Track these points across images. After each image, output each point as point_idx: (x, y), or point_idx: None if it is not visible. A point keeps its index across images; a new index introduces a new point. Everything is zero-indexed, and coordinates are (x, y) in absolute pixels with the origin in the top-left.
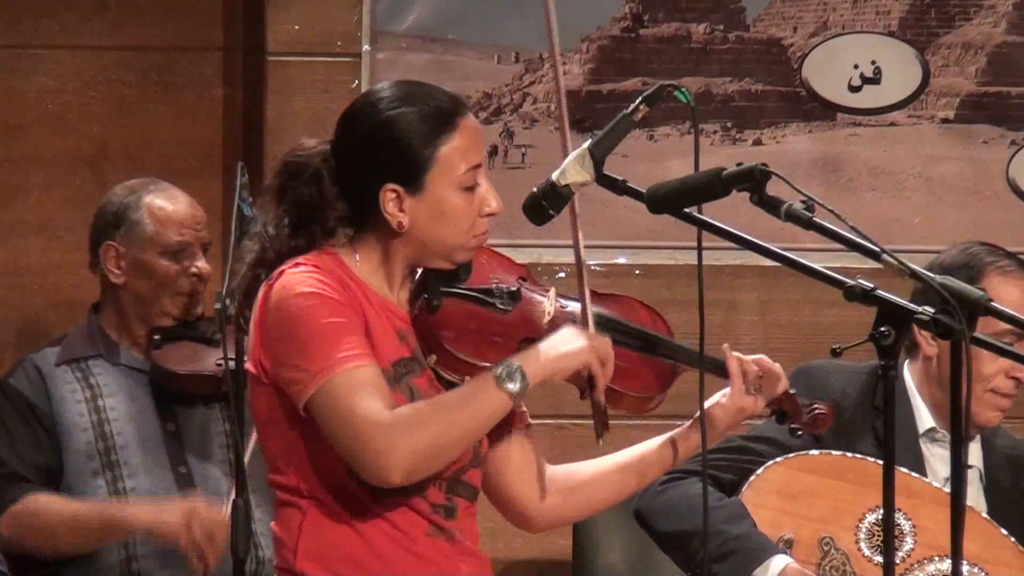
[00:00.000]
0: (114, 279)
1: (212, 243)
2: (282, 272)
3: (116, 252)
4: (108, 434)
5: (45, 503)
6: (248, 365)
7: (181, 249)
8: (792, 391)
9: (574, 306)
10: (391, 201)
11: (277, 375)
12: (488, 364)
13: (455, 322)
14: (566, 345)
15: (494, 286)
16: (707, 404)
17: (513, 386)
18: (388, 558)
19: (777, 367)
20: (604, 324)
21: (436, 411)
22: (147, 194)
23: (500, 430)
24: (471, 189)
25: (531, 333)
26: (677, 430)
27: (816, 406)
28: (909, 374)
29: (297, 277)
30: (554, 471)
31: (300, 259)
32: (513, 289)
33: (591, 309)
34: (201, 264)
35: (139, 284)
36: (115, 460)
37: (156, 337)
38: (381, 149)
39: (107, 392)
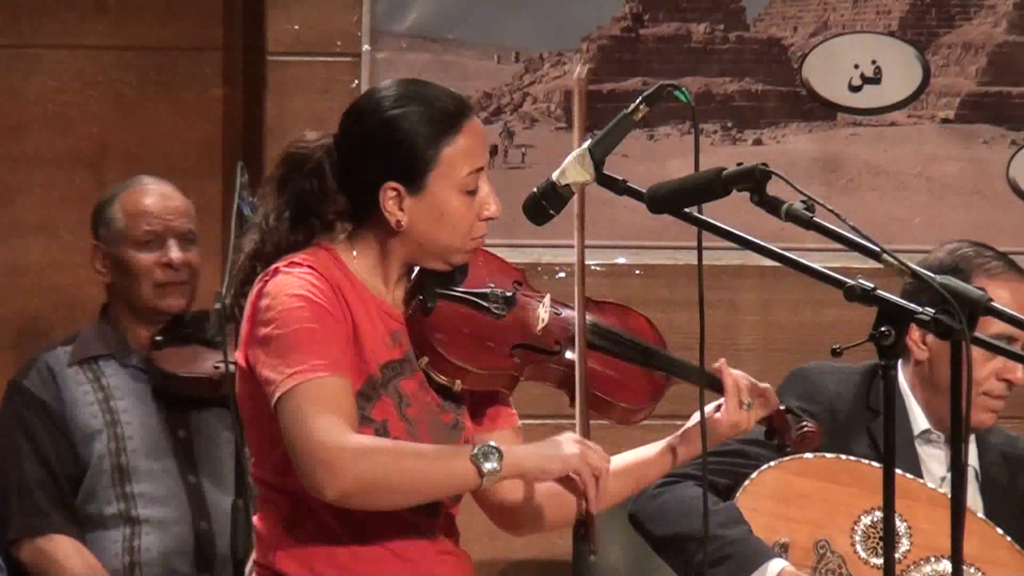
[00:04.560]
0: (102, 279)
1: (194, 231)
2: (277, 270)
3: (100, 251)
4: (121, 436)
5: (65, 554)
6: (238, 356)
7: (151, 239)
8: (783, 408)
9: (568, 313)
10: (391, 199)
11: (257, 372)
12: (480, 369)
13: (448, 325)
14: (557, 449)
15: (489, 290)
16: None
17: (486, 464)
18: (367, 556)
19: (767, 388)
20: (597, 333)
21: (395, 451)
22: (123, 191)
23: (490, 429)
24: (472, 192)
25: (525, 339)
26: (672, 437)
27: (805, 425)
28: (902, 376)
29: (290, 278)
30: None
31: (297, 257)
32: (509, 294)
33: (586, 318)
34: (175, 254)
35: (121, 280)
36: (125, 463)
37: (159, 339)
38: (384, 147)
39: (118, 395)
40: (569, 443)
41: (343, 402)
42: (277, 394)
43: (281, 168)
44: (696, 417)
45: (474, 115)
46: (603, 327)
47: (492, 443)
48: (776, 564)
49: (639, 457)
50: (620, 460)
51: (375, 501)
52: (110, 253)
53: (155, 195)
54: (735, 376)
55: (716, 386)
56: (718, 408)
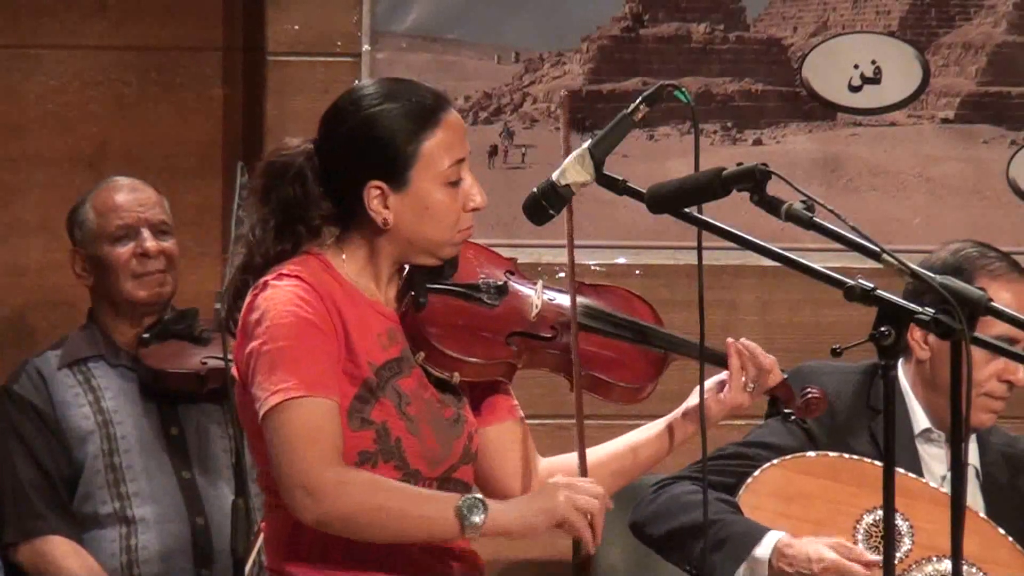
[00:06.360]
0: (84, 283)
1: (168, 223)
2: (266, 283)
3: (78, 255)
4: (113, 436)
5: (62, 555)
6: (234, 370)
7: (125, 234)
8: (785, 378)
9: (561, 299)
10: (375, 198)
11: (248, 385)
12: (476, 359)
13: (442, 318)
14: (544, 502)
15: (481, 281)
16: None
17: (470, 518)
18: (377, 559)
19: (769, 361)
20: (591, 315)
21: (375, 487)
22: (93, 193)
23: (491, 421)
24: (455, 184)
25: (519, 327)
26: (670, 417)
27: (809, 390)
28: (903, 375)
29: (277, 292)
30: (548, 463)
31: (285, 268)
32: (500, 283)
33: (579, 301)
34: (150, 243)
35: (101, 279)
36: (118, 463)
37: (145, 336)
38: (364, 146)
39: (109, 395)
40: (556, 491)
41: (326, 424)
42: (262, 411)
43: (263, 178)
44: (694, 396)
45: (452, 108)
46: (596, 308)
47: (480, 496)
48: (773, 535)
49: (634, 442)
50: (615, 447)
51: (354, 532)
52: (88, 255)
53: (124, 190)
54: (742, 354)
55: (721, 363)
56: (720, 388)
